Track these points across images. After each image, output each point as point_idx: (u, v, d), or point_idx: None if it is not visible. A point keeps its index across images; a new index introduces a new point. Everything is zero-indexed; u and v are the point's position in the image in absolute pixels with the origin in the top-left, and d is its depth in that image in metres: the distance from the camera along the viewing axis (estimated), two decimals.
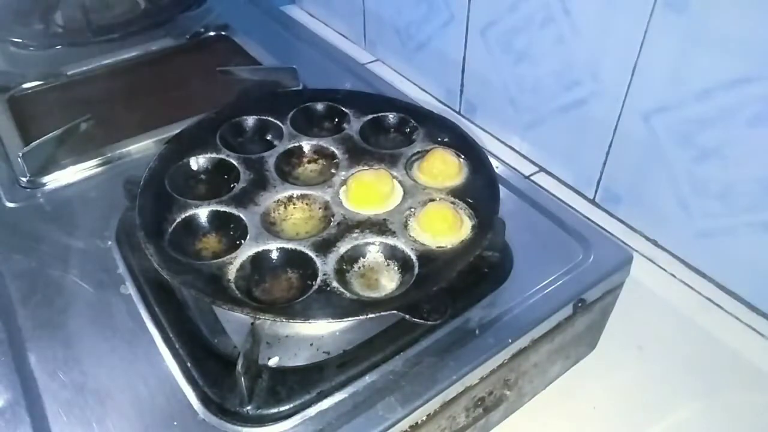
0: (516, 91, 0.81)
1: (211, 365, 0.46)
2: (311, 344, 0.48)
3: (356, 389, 0.45)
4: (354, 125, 0.65)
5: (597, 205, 0.77)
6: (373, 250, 0.52)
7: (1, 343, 0.49)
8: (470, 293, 0.52)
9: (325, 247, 0.51)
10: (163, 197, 0.55)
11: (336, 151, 0.62)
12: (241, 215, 0.54)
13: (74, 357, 0.47)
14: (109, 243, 0.57)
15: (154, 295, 0.51)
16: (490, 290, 0.52)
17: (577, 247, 0.56)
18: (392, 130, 0.67)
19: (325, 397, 0.44)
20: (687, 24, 0.58)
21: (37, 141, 0.66)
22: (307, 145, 0.63)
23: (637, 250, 0.70)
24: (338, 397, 0.44)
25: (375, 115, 0.67)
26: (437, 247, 0.51)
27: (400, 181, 0.58)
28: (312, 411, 0.43)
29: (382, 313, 0.45)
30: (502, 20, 0.77)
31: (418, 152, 0.62)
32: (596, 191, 0.76)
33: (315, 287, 0.48)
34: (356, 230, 0.53)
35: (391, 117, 0.67)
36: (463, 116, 0.91)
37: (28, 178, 0.64)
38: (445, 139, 0.63)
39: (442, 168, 0.58)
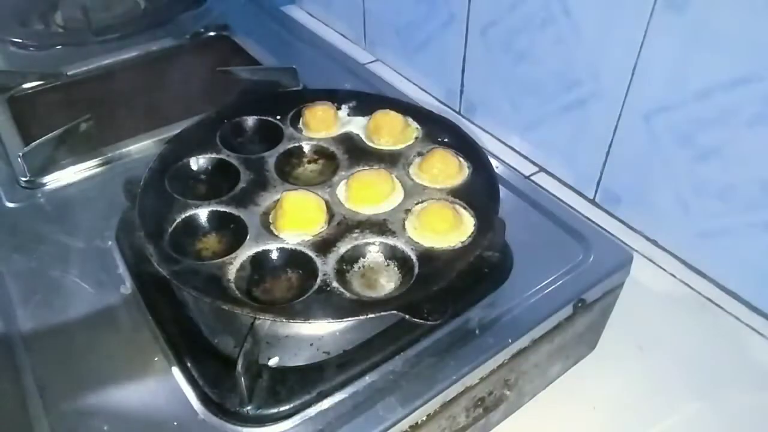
0: (516, 91, 0.80)
1: (211, 365, 0.46)
2: (311, 344, 0.48)
3: (356, 389, 0.45)
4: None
5: (597, 205, 0.77)
6: (373, 250, 0.52)
7: (1, 343, 0.49)
8: (470, 293, 0.52)
9: (325, 247, 0.51)
10: (163, 197, 0.55)
11: (336, 151, 0.62)
12: (241, 215, 0.54)
13: (74, 357, 0.47)
14: (109, 243, 0.57)
15: (154, 295, 0.51)
16: (490, 290, 0.52)
17: (577, 247, 0.56)
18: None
19: (325, 397, 0.44)
20: (687, 24, 0.58)
21: (37, 141, 0.66)
22: (307, 145, 0.63)
23: (637, 250, 0.69)
24: (338, 397, 0.44)
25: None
26: (437, 247, 0.51)
27: (400, 181, 0.58)
28: (312, 411, 0.43)
29: (382, 313, 0.45)
30: (502, 20, 0.77)
31: (419, 152, 0.62)
32: (596, 191, 0.76)
33: (315, 287, 0.48)
34: (356, 230, 0.53)
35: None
36: (463, 116, 0.91)
37: (28, 178, 0.64)
38: (445, 139, 0.63)
39: (442, 168, 0.58)
